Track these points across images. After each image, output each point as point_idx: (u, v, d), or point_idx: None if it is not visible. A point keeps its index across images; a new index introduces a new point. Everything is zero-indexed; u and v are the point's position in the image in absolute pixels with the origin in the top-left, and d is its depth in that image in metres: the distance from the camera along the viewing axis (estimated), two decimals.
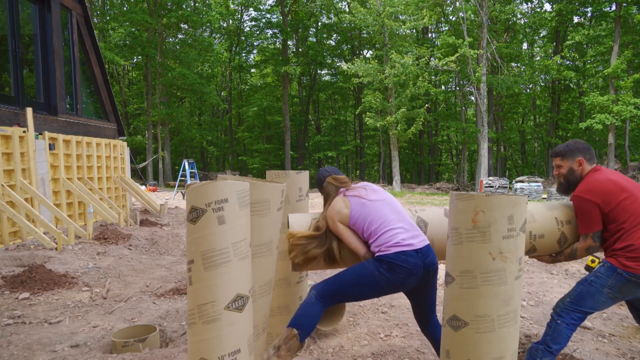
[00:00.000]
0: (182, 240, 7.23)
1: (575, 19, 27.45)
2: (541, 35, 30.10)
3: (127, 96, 32.15)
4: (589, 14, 25.81)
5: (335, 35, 33.92)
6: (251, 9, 33.17)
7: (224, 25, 33.74)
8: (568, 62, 26.86)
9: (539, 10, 27.83)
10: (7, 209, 5.78)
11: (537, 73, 25.83)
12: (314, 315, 2.28)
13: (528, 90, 30.79)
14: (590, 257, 2.59)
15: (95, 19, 26.01)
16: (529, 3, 28.75)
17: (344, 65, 23.38)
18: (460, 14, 22.97)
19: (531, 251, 2.72)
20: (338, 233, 2.44)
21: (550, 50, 27.98)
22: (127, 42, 26.27)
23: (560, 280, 5.12)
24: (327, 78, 35.91)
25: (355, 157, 36.46)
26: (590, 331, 3.54)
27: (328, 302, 2.33)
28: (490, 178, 19.34)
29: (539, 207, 2.74)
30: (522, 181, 18.62)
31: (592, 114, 21.12)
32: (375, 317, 3.76)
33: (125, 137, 10.94)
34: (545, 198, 16.94)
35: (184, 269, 5.40)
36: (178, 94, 31.25)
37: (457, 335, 2.04)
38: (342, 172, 2.69)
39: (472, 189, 24.41)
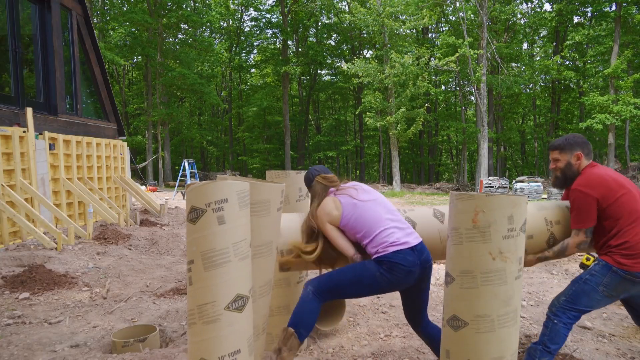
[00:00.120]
0: (182, 240, 7.23)
1: (575, 19, 27.46)
2: (541, 35, 30.10)
3: (127, 96, 32.15)
4: (589, 14, 25.81)
5: (335, 35, 33.92)
6: (251, 9, 33.18)
7: (224, 25, 33.74)
8: (568, 62, 26.86)
9: (539, 10, 27.83)
10: (7, 209, 5.78)
11: (537, 73, 25.82)
12: (312, 312, 2.27)
13: (528, 90, 30.79)
14: (585, 255, 2.58)
15: (95, 19, 26.01)
16: (529, 3, 28.76)
17: (344, 65, 23.38)
18: (460, 14, 22.97)
19: None
20: (326, 233, 2.41)
21: (550, 50, 27.98)
22: (127, 42, 26.26)
23: (560, 280, 5.12)
24: (327, 78, 35.91)
25: (355, 157, 36.45)
26: (590, 331, 3.54)
27: (325, 297, 2.31)
28: (490, 178, 19.34)
29: (528, 207, 2.73)
30: (522, 181, 18.62)
31: (592, 114, 21.12)
32: (375, 317, 3.75)
33: (125, 137, 10.94)
34: (545, 198, 16.94)
35: (184, 269, 5.40)
36: (178, 94, 31.25)
37: (457, 335, 2.04)
38: (331, 172, 2.65)
39: (472, 189, 24.41)
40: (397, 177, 22.95)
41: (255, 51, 35.46)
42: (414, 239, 2.33)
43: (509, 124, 32.82)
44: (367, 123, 23.36)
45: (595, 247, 2.56)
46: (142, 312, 3.80)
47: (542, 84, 29.85)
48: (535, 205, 2.74)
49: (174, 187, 19.21)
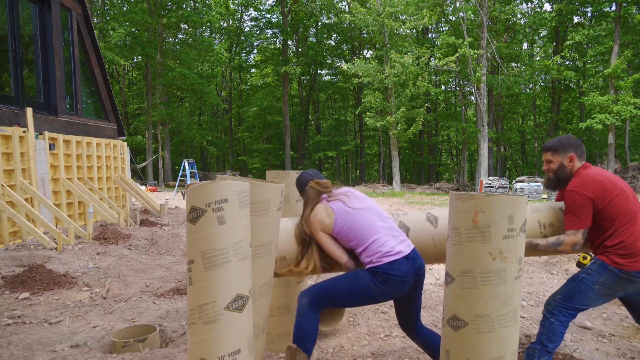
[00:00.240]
0: (182, 240, 7.23)
1: (575, 19, 27.46)
2: (541, 35, 30.10)
3: (127, 96, 32.15)
4: (589, 14, 25.81)
5: (335, 35, 33.93)
6: (251, 9, 33.20)
7: (224, 25, 33.74)
8: (568, 62, 26.86)
9: (539, 10, 27.83)
10: (7, 209, 5.78)
11: (537, 73, 25.82)
12: (312, 323, 2.27)
13: (528, 90, 30.79)
14: (582, 254, 2.58)
15: (95, 19, 26.01)
16: (529, 3, 28.76)
17: (344, 65, 23.38)
18: (460, 14, 22.98)
19: None
20: (319, 241, 2.39)
21: (550, 50, 27.98)
22: (127, 42, 26.27)
23: (560, 280, 5.12)
24: (327, 78, 35.91)
25: (355, 157, 36.46)
26: (590, 331, 3.54)
27: (321, 307, 2.31)
28: (490, 178, 19.34)
29: None
30: (522, 181, 18.63)
31: (592, 114, 21.12)
32: (375, 317, 3.76)
33: (125, 137, 10.94)
34: (545, 198, 16.94)
35: (184, 269, 5.40)
36: (178, 94, 31.26)
37: (457, 335, 2.04)
38: (324, 177, 2.63)
39: (472, 189, 24.41)
40: (397, 177, 22.95)
41: (255, 51, 35.49)
42: (406, 247, 2.32)
43: (509, 124, 32.82)
44: (367, 123, 23.36)
45: (592, 247, 2.56)
46: (142, 312, 3.80)
47: (542, 84, 29.85)
48: (528, 207, 2.72)
49: (174, 187, 19.21)
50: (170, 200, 15.04)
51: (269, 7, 32.06)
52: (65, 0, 8.21)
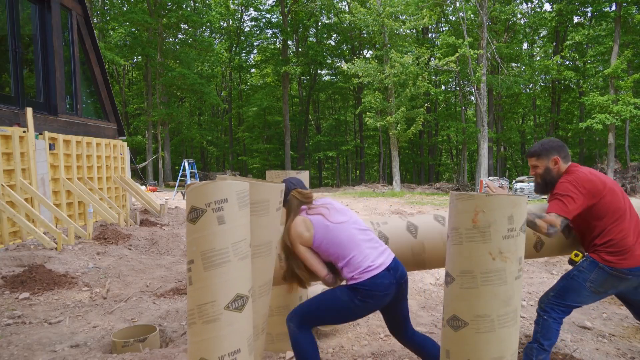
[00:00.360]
0: (182, 240, 7.23)
1: (575, 19, 27.44)
2: (541, 35, 30.08)
3: (127, 96, 32.15)
4: (589, 14, 25.80)
5: (335, 35, 33.92)
6: (251, 9, 33.19)
7: (224, 25, 33.74)
8: (568, 62, 26.84)
9: (539, 10, 27.82)
10: (7, 209, 5.78)
11: (537, 73, 25.80)
12: (308, 341, 2.27)
13: (528, 90, 30.78)
14: (574, 251, 2.60)
15: (95, 19, 26.01)
16: (529, 3, 28.75)
17: (344, 65, 23.38)
18: (460, 14, 22.97)
19: None
20: (298, 254, 2.37)
21: (550, 50, 27.96)
22: (127, 42, 26.27)
23: None
24: (327, 78, 35.90)
25: (355, 157, 36.45)
26: (590, 331, 3.54)
27: (311, 326, 2.31)
28: (490, 178, 19.35)
29: None
30: (522, 181, 18.63)
31: (592, 114, 21.10)
32: (375, 317, 3.76)
33: (125, 137, 10.94)
34: (545, 198, 16.93)
35: (184, 269, 5.40)
36: (178, 94, 31.26)
37: (457, 335, 2.04)
38: (306, 187, 2.60)
39: (472, 189, 24.41)
40: (397, 177, 22.95)
41: (255, 51, 35.49)
42: (387, 258, 2.31)
43: (509, 124, 32.81)
44: (367, 123, 23.35)
45: (583, 245, 2.59)
46: (142, 312, 3.80)
47: (542, 84, 29.83)
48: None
49: (174, 187, 19.21)
50: (170, 200, 15.04)
51: (269, 7, 32.06)
52: (65, 0, 8.21)
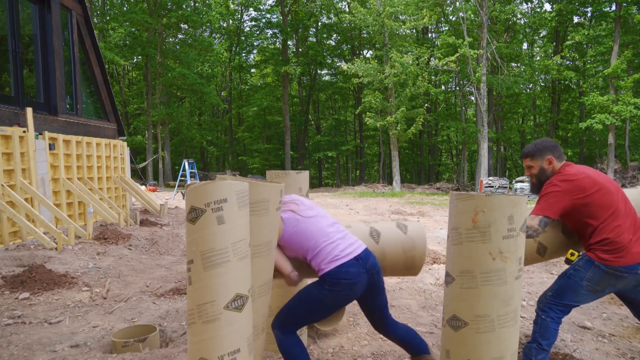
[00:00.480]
0: (182, 240, 7.23)
1: (575, 19, 27.45)
2: (541, 35, 30.08)
3: (127, 96, 32.16)
4: (589, 14, 25.80)
5: (335, 35, 33.92)
6: (251, 9, 33.20)
7: (224, 25, 33.75)
8: (568, 62, 26.85)
9: (539, 10, 27.83)
10: (7, 209, 5.78)
11: (537, 73, 25.81)
12: (295, 345, 2.28)
13: (528, 90, 30.79)
14: (570, 250, 2.60)
15: (95, 19, 26.01)
16: (529, 3, 28.75)
17: (344, 65, 23.38)
18: (460, 14, 22.98)
19: None
20: None
21: (550, 50, 27.97)
22: (127, 42, 26.27)
23: None
24: (327, 78, 35.91)
25: (355, 157, 36.45)
26: (590, 331, 3.54)
27: (294, 329, 2.32)
28: (490, 178, 19.35)
29: None
30: (522, 181, 18.63)
31: (592, 114, 21.11)
32: None
33: (125, 137, 10.95)
34: None
35: (184, 269, 5.40)
36: (178, 94, 31.26)
37: (457, 335, 2.04)
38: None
39: (472, 189, 24.42)
40: (397, 177, 22.95)
41: (255, 51, 35.49)
42: (357, 248, 2.32)
43: (509, 124, 32.81)
44: (367, 123, 23.36)
45: (582, 244, 2.60)
46: (142, 312, 3.80)
47: (542, 84, 29.84)
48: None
49: (174, 187, 19.21)
50: (170, 200, 15.04)
51: (269, 7, 32.06)
52: (65, 0, 8.21)
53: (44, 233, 6.43)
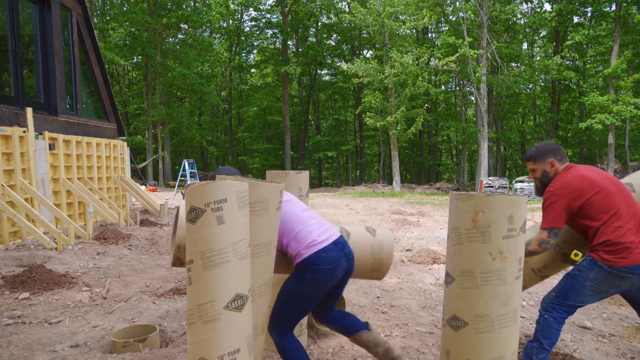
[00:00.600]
0: None
1: (575, 19, 27.45)
2: (541, 35, 30.08)
3: (127, 96, 32.16)
4: (589, 14, 25.80)
5: (335, 35, 33.91)
6: (251, 9, 33.19)
7: (224, 25, 33.74)
8: (568, 62, 26.84)
9: (539, 10, 27.82)
10: (7, 209, 5.78)
11: (537, 73, 25.80)
12: (293, 347, 2.27)
13: (528, 90, 30.78)
14: (573, 251, 2.61)
15: (95, 19, 26.01)
16: (529, 3, 28.75)
17: (344, 65, 23.37)
18: (460, 14, 22.97)
19: None
20: None
21: (550, 50, 27.96)
22: (127, 42, 26.27)
23: None
24: (327, 78, 35.89)
25: (355, 157, 36.45)
26: (590, 331, 3.54)
27: (290, 328, 2.31)
28: (490, 178, 19.35)
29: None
30: (522, 181, 18.63)
31: (592, 114, 21.11)
32: (375, 317, 3.75)
33: (125, 137, 10.95)
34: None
35: (183, 269, 5.40)
36: (178, 94, 31.26)
37: (457, 335, 2.04)
38: (240, 174, 2.59)
39: (472, 189, 24.42)
40: (397, 177, 22.95)
41: (255, 51, 35.48)
42: (333, 234, 2.33)
43: (509, 124, 32.81)
44: (367, 123, 23.35)
45: (587, 246, 2.60)
46: (142, 312, 3.80)
47: (542, 84, 29.83)
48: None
49: (174, 187, 19.21)
50: (170, 200, 15.04)
51: (269, 7, 32.05)
52: (65, 0, 8.21)
53: (44, 233, 6.43)
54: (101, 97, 9.65)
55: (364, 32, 28.20)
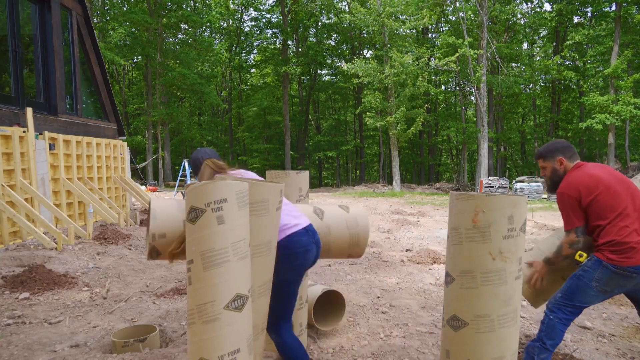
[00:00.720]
0: None
1: (575, 19, 27.46)
2: (541, 35, 30.09)
3: (127, 96, 32.16)
4: (589, 14, 25.81)
5: (335, 35, 33.92)
6: (251, 9, 33.19)
7: (224, 25, 33.75)
8: (568, 62, 26.85)
9: (539, 10, 27.83)
10: (7, 209, 5.78)
11: (537, 73, 25.81)
12: (292, 344, 2.28)
13: (528, 90, 30.79)
14: (578, 252, 2.61)
15: (95, 19, 26.01)
16: (529, 3, 28.76)
17: (344, 65, 23.37)
18: (460, 14, 22.97)
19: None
20: None
21: (550, 50, 27.97)
22: (127, 42, 26.27)
23: None
24: (327, 78, 35.90)
25: (355, 157, 36.45)
26: (590, 331, 3.54)
27: (285, 324, 2.31)
28: (490, 178, 19.35)
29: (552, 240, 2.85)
30: (522, 181, 18.63)
31: (592, 114, 21.12)
32: (375, 317, 3.76)
33: (125, 137, 10.95)
34: (545, 198, 16.94)
35: (183, 269, 5.40)
36: (178, 94, 31.26)
37: (457, 335, 2.04)
38: (221, 158, 2.58)
39: (472, 189, 24.42)
40: (397, 177, 22.95)
41: (255, 51, 35.48)
42: (304, 221, 2.35)
43: (509, 124, 32.82)
44: (367, 123, 23.35)
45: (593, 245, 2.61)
46: (142, 312, 3.80)
47: (542, 84, 29.84)
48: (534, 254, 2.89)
49: (174, 187, 19.21)
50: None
51: (269, 7, 32.06)
52: (65, 0, 8.21)
53: (44, 233, 6.43)
54: (101, 97, 9.65)
55: (364, 32, 28.20)
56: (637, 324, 3.70)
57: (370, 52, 30.88)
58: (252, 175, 2.49)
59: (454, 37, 22.08)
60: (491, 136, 25.15)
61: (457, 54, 21.07)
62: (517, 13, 25.45)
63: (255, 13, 33.17)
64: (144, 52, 24.77)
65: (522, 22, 27.67)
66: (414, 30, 29.15)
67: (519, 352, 2.86)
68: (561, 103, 30.15)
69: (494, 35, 24.73)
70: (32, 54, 7.52)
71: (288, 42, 31.62)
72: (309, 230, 2.32)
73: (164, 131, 26.85)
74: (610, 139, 21.08)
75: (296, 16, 30.66)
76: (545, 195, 17.16)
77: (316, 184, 35.75)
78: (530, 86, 30.21)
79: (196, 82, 25.34)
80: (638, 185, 2.90)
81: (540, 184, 17.72)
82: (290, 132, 30.98)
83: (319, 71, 34.99)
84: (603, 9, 22.14)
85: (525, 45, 31.26)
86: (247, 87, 37.78)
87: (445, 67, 22.21)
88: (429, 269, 5.52)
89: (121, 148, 9.84)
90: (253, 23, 33.62)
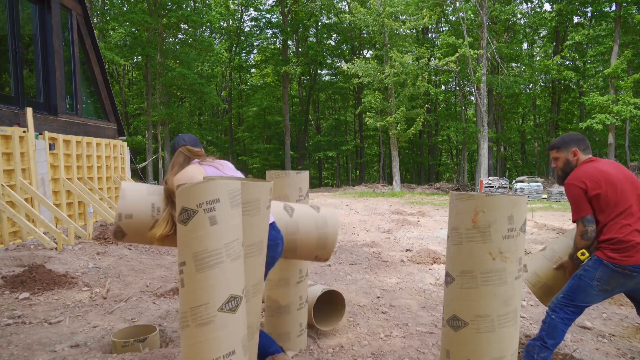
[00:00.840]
0: None
1: (575, 19, 27.45)
2: (541, 35, 30.08)
3: (127, 96, 32.15)
4: (589, 14, 25.80)
5: (335, 35, 33.90)
6: (251, 9, 33.18)
7: (224, 25, 33.73)
8: (568, 62, 26.84)
9: (539, 10, 27.82)
10: (7, 209, 5.78)
11: (537, 73, 25.80)
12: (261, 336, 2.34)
13: (528, 90, 30.78)
14: (580, 250, 2.61)
15: (95, 19, 26.01)
16: (529, 3, 28.75)
17: (344, 65, 23.35)
18: (460, 14, 22.97)
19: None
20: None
21: (550, 50, 27.96)
22: (127, 42, 26.27)
23: None
24: (327, 78, 35.88)
25: (355, 157, 36.44)
26: (590, 331, 3.54)
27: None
28: (490, 178, 19.34)
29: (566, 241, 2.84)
30: (522, 181, 18.63)
31: (592, 114, 21.11)
32: (375, 317, 3.75)
33: (125, 137, 10.95)
34: (545, 198, 16.93)
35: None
36: (178, 94, 31.25)
37: (457, 335, 2.04)
38: (201, 144, 2.55)
39: (472, 189, 24.41)
40: (397, 177, 22.94)
41: (255, 51, 35.47)
42: (271, 218, 2.41)
43: (509, 124, 32.81)
44: (367, 123, 23.34)
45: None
46: (142, 312, 3.80)
47: (542, 84, 29.83)
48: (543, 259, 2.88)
49: None
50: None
51: (269, 7, 32.05)
52: (65, 0, 8.21)
53: (44, 233, 6.43)
54: (101, 97, 9.65)
55: (364, 32, 28.19)
56: (637, 324, 3.70)
57: (370, 52, 30.88)
58: (229, 164, 2.49)
59: (454, 37, 22.06)
60: (491, 136, 25.15)
61: (457, 54, 21.06)
62: (517, 13, 25.44)
63: (255, 13, 33.18)
64: (144, 52, 24.75)
65: (522, 22, 27.67)
66: (414, 30, 29.14)
67: (519, 352, 2.85)
68: (561, 103, 30.14)
69: (494, 35, 24.72)
70: (32, 54, 7.52)
71: (288, 42, 31.61)
72: (274, 227, 2.37)
73: (164, 131, 26.84)
74: (610, 139, 21.08)
75: (296, 16, 30.66)
76: (545, 195, 17.15)
77: (316, 184, 35.74)
78: (530, 86, 30.21)
79: (196, 82, 25.33)
80: None
81: (540, 184, 17.71)
82: (290, 132, 30.97)
83: (319, 71, 34.98)
84: (603, 9, 22.14)
85: (525, 45, 31.25)
86: (247, 87, 37.77)
87: (445, 67, 22.20)
88: (429, 269, 5.52)
89: (121, 148, 9.84)
90: (253, 23, 33.62)
